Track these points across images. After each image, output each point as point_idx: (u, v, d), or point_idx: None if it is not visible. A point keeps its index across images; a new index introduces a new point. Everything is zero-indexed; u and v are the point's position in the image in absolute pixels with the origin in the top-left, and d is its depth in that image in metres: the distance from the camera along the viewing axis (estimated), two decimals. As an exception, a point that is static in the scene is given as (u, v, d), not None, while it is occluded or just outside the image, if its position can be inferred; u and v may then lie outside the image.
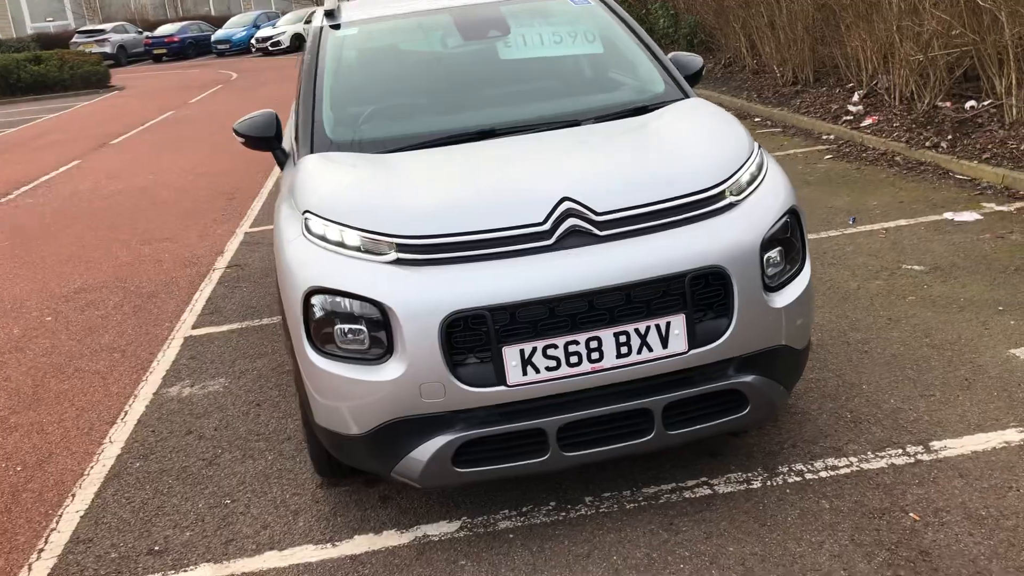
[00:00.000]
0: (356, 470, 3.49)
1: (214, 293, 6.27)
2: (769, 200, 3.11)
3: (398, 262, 2.87)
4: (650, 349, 2.85)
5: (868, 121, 8.83)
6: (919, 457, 3.30)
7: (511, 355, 2.79)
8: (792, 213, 3.14)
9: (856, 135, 8.60)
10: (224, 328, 5.54)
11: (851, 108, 9.41)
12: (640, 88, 3.84)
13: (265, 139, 3.94)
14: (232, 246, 7.53)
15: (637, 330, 2.83)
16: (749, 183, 3.13)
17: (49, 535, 3.48)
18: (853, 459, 3.32)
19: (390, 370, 2.84)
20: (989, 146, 7.15)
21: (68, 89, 25.82)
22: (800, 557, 2.84)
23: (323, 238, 3.03)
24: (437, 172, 3.23)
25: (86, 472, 3.94)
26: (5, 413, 4.65)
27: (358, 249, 2.95)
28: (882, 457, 3.32)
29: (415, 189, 3.10)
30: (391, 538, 3.18)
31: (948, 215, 6.09)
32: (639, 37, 4.10)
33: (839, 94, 10.17)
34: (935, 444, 3.37)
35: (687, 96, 3.79)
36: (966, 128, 7.73)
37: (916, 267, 5.21)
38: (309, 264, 3.00)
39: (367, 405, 2.90)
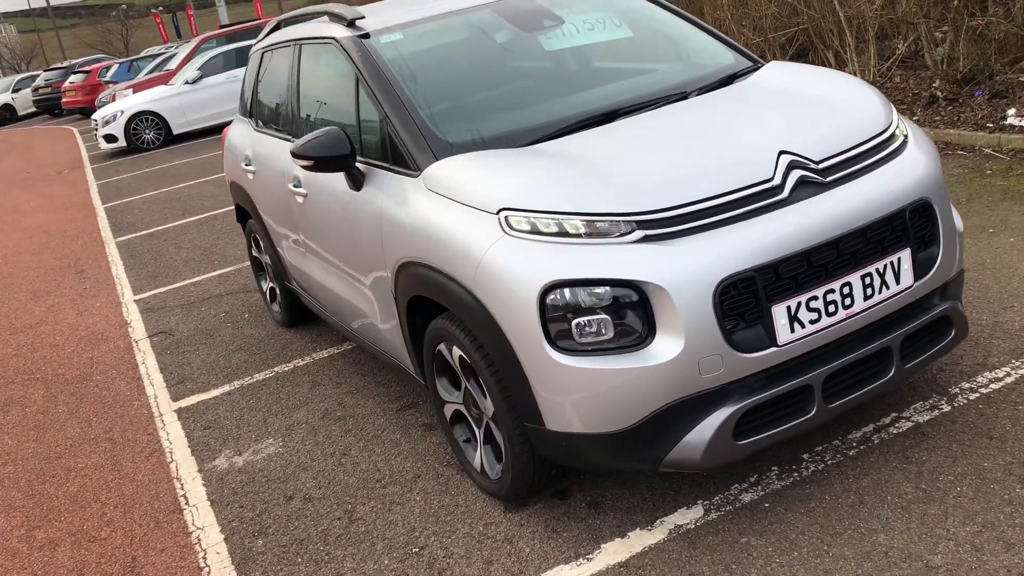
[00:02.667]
0: (542, 487, 3.26)
1: (163, 363, 5.57)
2: (920, 134, 3.30)
3: (646, 239, 2.73)
4: (887, 287, 2.91)
5: (715, 105, 9.46)
6: (1060, 355, 3.59)
7: (779, 313, 2.74)
8: (931, 144, 3.34)
9: (711, 119, 9.17)
10: (216, 393, 4.95)
11: (690, 97, 10.02)
12: (715, 61, 3.88)
13: (339, 157, 3.56)
14: (133, 316, 6.72)
15: (877, 269, 2.88)
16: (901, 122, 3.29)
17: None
18: (1008, 368, 3.55)
19: (660, 351, 2.69)
20: (852, 109, 7.90)
21: None
22: (1053, 455, 3.00)
23: (534, 231, 2.82)
24: (630, 148, 3.09)
25: (203, 565, 3.37)
26: (23, 531, 3.87)
27: (581, 235, 2.78)
28: (1029, 362, 3.58)
29: (625, 167, 2.94)
30: (644, 537, 2.99)
31: (861, 169, 6.65)
32: (684, 17, 4.17)
33: (667, 87, 10.79)
34: (1062, 342, 3.68)
35: (758, 63, 3.90)
36: (817, 98, 8.48)
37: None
38: (533, 260, 2.77)
39: (635, 394, 2.72)
